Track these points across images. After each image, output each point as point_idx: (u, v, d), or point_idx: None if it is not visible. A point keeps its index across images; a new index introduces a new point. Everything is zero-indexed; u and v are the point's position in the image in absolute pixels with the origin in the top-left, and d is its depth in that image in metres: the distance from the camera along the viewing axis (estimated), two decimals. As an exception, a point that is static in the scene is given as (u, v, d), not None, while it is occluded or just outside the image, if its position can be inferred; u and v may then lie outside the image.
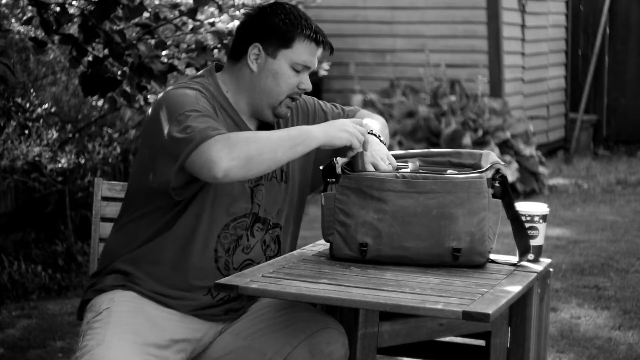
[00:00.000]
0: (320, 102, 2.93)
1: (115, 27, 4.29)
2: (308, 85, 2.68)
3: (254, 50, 2.64)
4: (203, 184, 2.56)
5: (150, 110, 2.63)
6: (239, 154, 2.41)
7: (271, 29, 2.63)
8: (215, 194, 2.60)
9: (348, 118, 2.84)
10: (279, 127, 2.75)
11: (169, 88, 2.64)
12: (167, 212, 2.60)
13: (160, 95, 2.63)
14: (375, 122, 2.83)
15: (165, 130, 2.50)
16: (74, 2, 4.40)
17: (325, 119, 2.84)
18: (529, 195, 8.51)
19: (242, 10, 5.09)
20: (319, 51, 2.69)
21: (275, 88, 2.64)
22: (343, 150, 2.63)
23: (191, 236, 2.60)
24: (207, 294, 2.63)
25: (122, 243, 2.66)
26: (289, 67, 2.64)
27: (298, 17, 2.64)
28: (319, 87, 9.72)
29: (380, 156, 2.64)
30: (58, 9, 4.19)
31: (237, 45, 2.69)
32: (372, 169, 2.60)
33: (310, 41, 2.65)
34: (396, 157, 2.72)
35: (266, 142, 2.46)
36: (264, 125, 2.73)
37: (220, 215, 2.61)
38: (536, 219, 2.69)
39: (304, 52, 2.64)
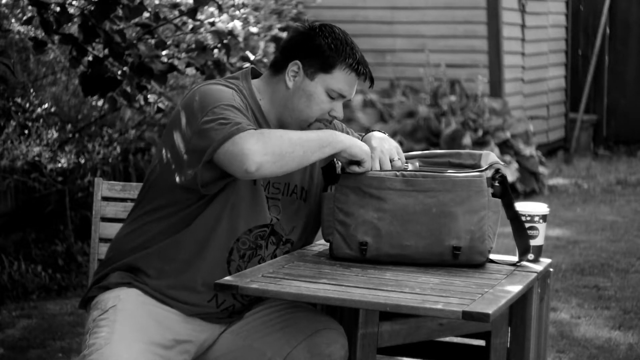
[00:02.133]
0: (349, 129, 2.91)
1: (115, 27, 4.29)
2: (340, 114, 2.65)
3: (294, 67, 2.61)
4: (228, 181, 2.54)
5: (182, 102, 2.61)
6: (272, 149, 2.40)
7: (315, 50, 2.60)
8: (236, 197, 2.58)
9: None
10: None
11: (205, 83, 2.63)
12: (185, 209, 2.58)
13: (194, 88, 2.61)
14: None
15: (199, 121, 2.48)
16: (74, 2, 4.40)
17: None
18: (529, 195, 8.51)
19: (242, 10, 5.10)
20: (356, 82, 2.65)
21: (306, 110, 2.61)
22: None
23: (209, 236, 2.58)
24: (211, 300, 2.62)
25: (134, 236, 2.65)
26: (324, 92, 2.61)
27: (344, 44, 2.60)
28: (319, 87, 9.71)
29: (390, 153, 2.63)
30: (58, 9, 4.19)
31: (279, 59, 2.66)
32: (378, 167, 2.59)
33: (351, 71, 2.61)
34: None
35: (298, 141, 2.45)
36: None
37: (240, 220, 2.59)
38: (536, 219, 2.69)
39: (342, 80, 2.61)
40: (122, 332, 2.48)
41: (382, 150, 2.61)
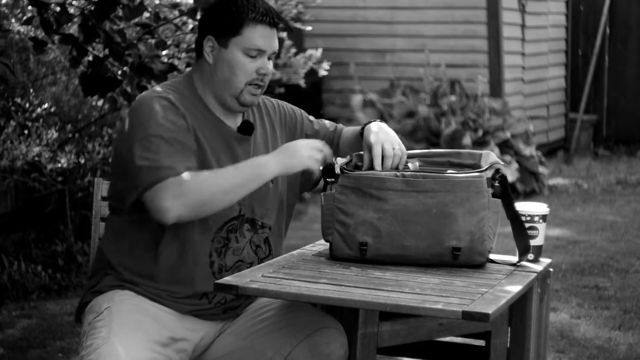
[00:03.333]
0: (308, 116, 2.91)
1: (115, 27, 4.29)
2: (268, 70, 2.65)
3: (208, 43, 2.65)
4: None
5: (124, 121, 2.65)
6: (189, 202, 2.46)
7: (219, 19, 2.63)
8: None
9: (330, 133, 2.86)
10: (254, 118, 2.75)
11: (143, 94, 2.63)
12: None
13: (133, 103, 2.63)
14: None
15: (131, 151, 2.53)
16: (74, 2, 4.40)
17: (301, 129, 2.85)
18: (529, 195, 8.51)
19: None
20: (274, 33, 2.64)
21: (232, 77, 2.63)
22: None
23: (185, 243, 2.60)
24: (202, 299, 2.63)
25: (115, 247, 2.66)
26: (243, 54, 2.62)
27: (244, 3, 2.62)
28: (319, 87, 9.72)
29: (392, 142, 2.64)
30: (58, 9, 4.19)
31: (197, 41, 2.70)
32: (379, 165, 2.59)
33: (258, 23, 2.61)
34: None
35: (219, 186, 2.49)
36: (243, 124, 2.70)
37: (211, 220, 2.60)
38: (536, 219, 2.69)
39: (255, 36, 2.61)
40: (119, 331, 2.48)
41: (383, 147, 2.61)
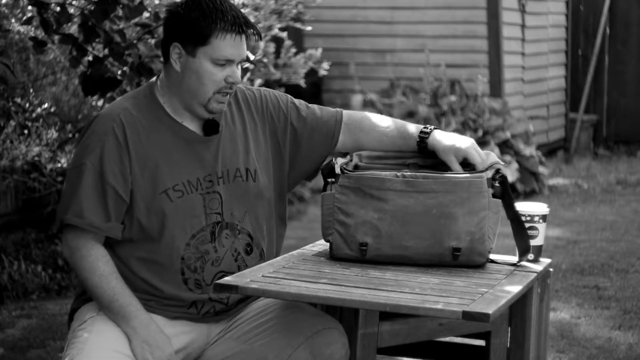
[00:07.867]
0: (296, 103, 2.82)
1: (115, 27, 4.29)
2: (236, 78, 2.59)
3: (175, 50, 2.59)
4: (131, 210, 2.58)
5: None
6: (75, 266, 2.57)
7: (186, 26, 2.56)
8: (170, 216, 2.57)
9: (328, 119, 2.80)
10: (231, 114, 2.71)
11: (105, 114, 2.62)
12: (129, 230, 2.60)
13: (97, 117, 2.62)
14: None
15: (70, 166, 2.60)
16: (74, 2, 4.40)
17: (285, 119, 2.78)
18: (529, 195, 8.51)
19: (242, 11, 5.09)
20: (243, 40, 2.58)
21: (199, 87, 2.57)
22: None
23: (154, 264, 2.59)
24: (190, 307, 2.63)
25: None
26: (211, 64, 2.56)
27: (213, 10, 2.54)
28: (319, 87, 9.72)
29: (475, 146, 2.65)
30: (58, 8, 4.19)
31: (162, 46, 2.65)
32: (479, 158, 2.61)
33: (227, 33, 2.54)
34: (397, 157, 2.73)
35: (88, 284, 2.56)
36: (208, 124, 2.66)
37: (178, 236, 2.58)
38: (536, 219, 2.69)
39: (223, 46, 2.55)
40: (96, 342, 2.48)
41: (477, 152, 2.62)
